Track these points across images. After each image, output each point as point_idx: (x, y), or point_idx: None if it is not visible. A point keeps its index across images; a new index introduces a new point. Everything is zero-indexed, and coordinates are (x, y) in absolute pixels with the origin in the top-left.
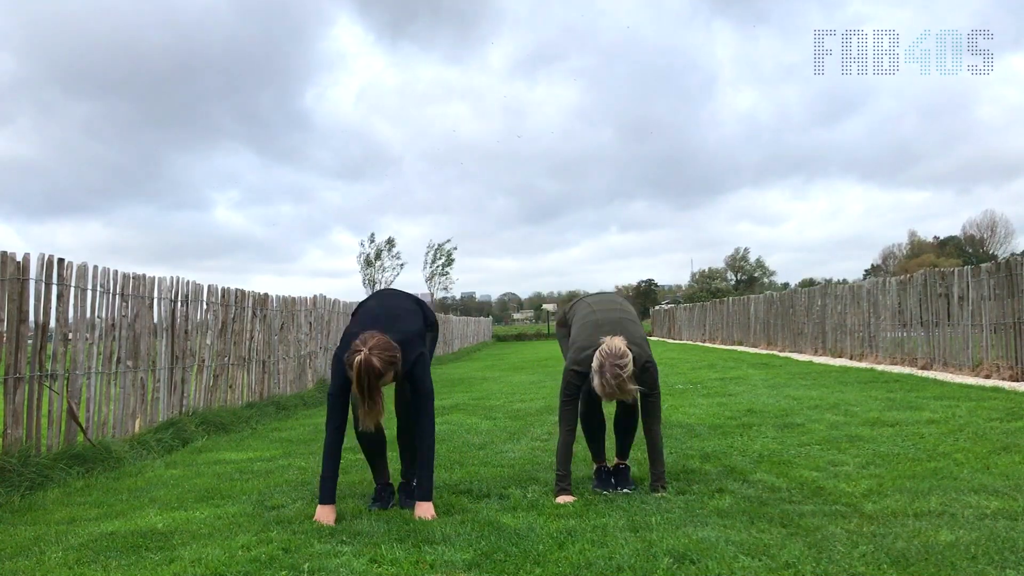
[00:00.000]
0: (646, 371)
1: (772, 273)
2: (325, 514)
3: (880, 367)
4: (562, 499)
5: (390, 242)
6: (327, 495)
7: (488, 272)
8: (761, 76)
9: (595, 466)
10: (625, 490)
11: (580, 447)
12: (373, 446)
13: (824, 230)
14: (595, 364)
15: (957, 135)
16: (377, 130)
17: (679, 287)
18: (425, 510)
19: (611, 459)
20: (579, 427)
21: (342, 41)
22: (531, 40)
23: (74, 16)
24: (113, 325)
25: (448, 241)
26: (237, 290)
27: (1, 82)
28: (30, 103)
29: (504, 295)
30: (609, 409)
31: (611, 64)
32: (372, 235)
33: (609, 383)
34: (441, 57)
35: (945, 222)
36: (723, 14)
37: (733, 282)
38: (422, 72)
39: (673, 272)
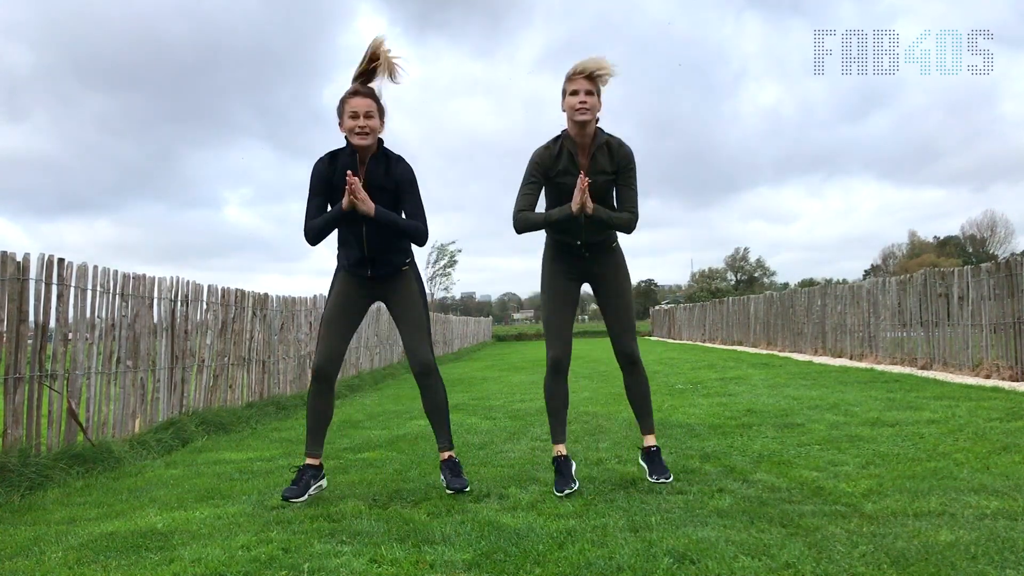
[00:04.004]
0: (623, 146)
1: (772, 273)
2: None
3: (880, 367)
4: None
5: None
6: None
7: (495, 271)
8: (788, 70)
9: (555, 453)
10: (662, 480)
11: (580, 447)
12: (329, 408)
13: (835, 229)
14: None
15: (980, 131)
16: (396, 125)
17: (679, 287)
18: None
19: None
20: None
21: (365, 35)
22: (561, 32)
23: (93, 6)
24: (113, 325)
25: (453, 243)
26: (237, 290)
27: (19, 75)
28: (47, 96)
29: (504, 295)
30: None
31: (640, 57)
32: None
33: (579, 66)
34: (470, 49)
35: (956, 221)
36: (755, 6)
37: (733, 282)
38: (446, 66)
39: (677, 272)
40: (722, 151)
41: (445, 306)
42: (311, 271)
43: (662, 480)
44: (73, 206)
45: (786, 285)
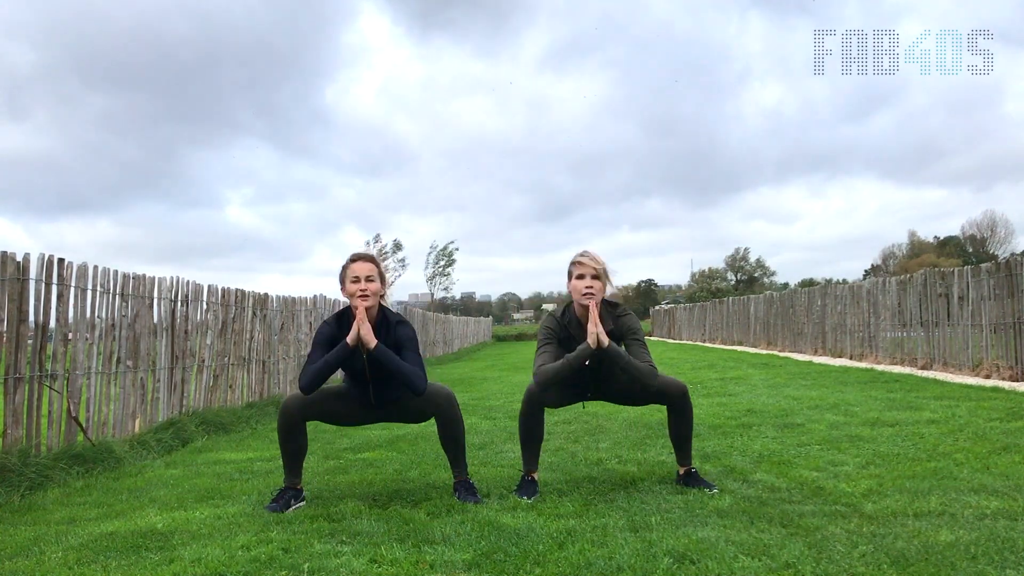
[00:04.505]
0: (627, 314)
1: (772, 273)
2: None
3: (880, 367)
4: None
5: (397, 246)
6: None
7: (495, 271)
8: (791, 70)
9: (523, 475)
10: (713, 491)
11: (580, 447)
12: (298, 444)
13: (836, 229)
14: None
15: (982, 131)
16: (398, 126)
17: (679, 287)
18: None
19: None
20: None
21: (367, 34)
22: (564, 32)
23: (94, 5)
24: (113, 325)
25: (452, 243)
26: (237, 290)
27: (20, 74)
28: (48, 95)
29: (504, 295)
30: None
31: (642, 56)
32: (378, 235)
33: (586, 258)
34: (473, 49)
35: (957, 221)
36: (759, 5)
37: (733, 282)
38: (448, 65)
39: (677, 272)
40: (724, 151)
41: (445, 306)
42: (311, 271)
43: (707, 490)
44: (74, 206)
45: (786, 285)
